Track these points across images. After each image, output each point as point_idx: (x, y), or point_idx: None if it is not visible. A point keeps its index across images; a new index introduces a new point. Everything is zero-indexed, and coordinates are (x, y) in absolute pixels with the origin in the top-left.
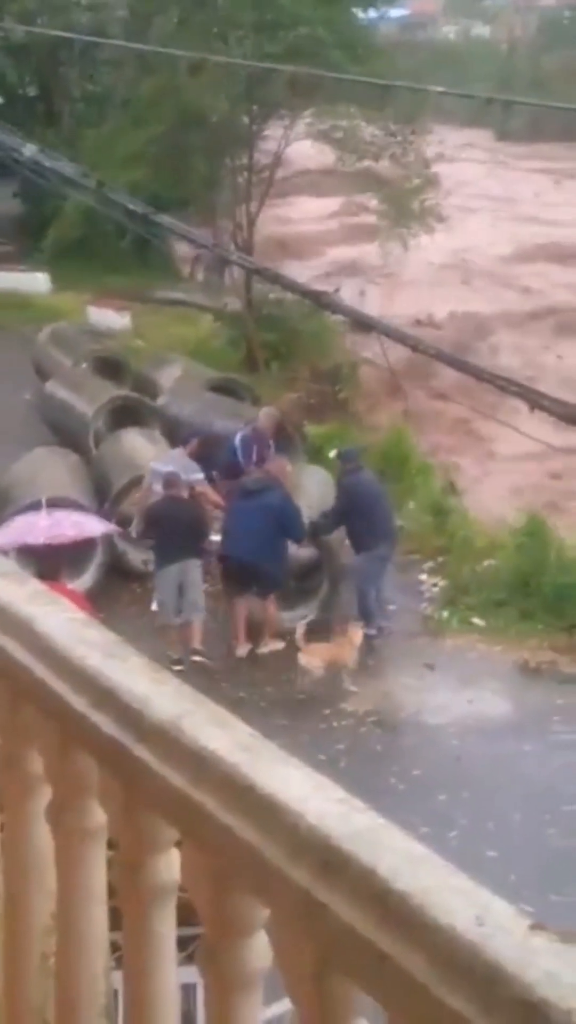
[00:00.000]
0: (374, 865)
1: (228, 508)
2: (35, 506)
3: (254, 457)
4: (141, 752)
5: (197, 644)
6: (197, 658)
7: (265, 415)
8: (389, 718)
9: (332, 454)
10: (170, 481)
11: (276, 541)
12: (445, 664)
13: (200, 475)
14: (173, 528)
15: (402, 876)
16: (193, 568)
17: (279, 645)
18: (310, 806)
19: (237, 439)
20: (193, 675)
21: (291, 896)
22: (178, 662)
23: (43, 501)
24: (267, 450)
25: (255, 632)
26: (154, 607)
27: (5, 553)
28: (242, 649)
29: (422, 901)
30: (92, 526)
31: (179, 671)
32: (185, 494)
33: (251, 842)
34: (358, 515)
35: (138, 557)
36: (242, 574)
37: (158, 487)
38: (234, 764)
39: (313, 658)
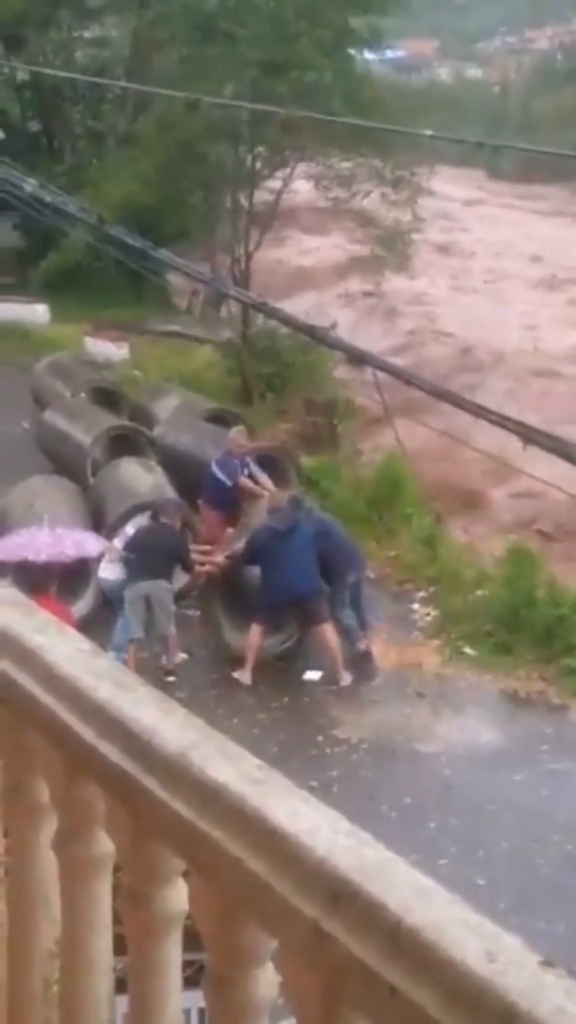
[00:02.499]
0: (384, 898)
1: (264, 555)
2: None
3: (237, 477)
4: (149, 782)
5: (171, 665)
6: (171, 679)
7: (233, 435)
8: (381, 746)
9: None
10: (164, 507)
11: (316, 571)
12: (436, 693)
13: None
14: (151, 549)
15: (413, 910)
16: (162, 590)
17: (347, 678)
18: (319, 838)
19: (214, 466)
20: (184, 702)
21: (300, 928)
22: (170, 672)
23: (45, 517)
24: (245, 469)
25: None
26: (77, 610)
27: (1, 571)
28: (245, 677)
29: (433, 935)
30: (91, 546)
31: (171, 682)
32: (177, 523)
33: (259, 874)
34: (320, 552)
35: None
36: (291, 605)
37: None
38: (242, 796)
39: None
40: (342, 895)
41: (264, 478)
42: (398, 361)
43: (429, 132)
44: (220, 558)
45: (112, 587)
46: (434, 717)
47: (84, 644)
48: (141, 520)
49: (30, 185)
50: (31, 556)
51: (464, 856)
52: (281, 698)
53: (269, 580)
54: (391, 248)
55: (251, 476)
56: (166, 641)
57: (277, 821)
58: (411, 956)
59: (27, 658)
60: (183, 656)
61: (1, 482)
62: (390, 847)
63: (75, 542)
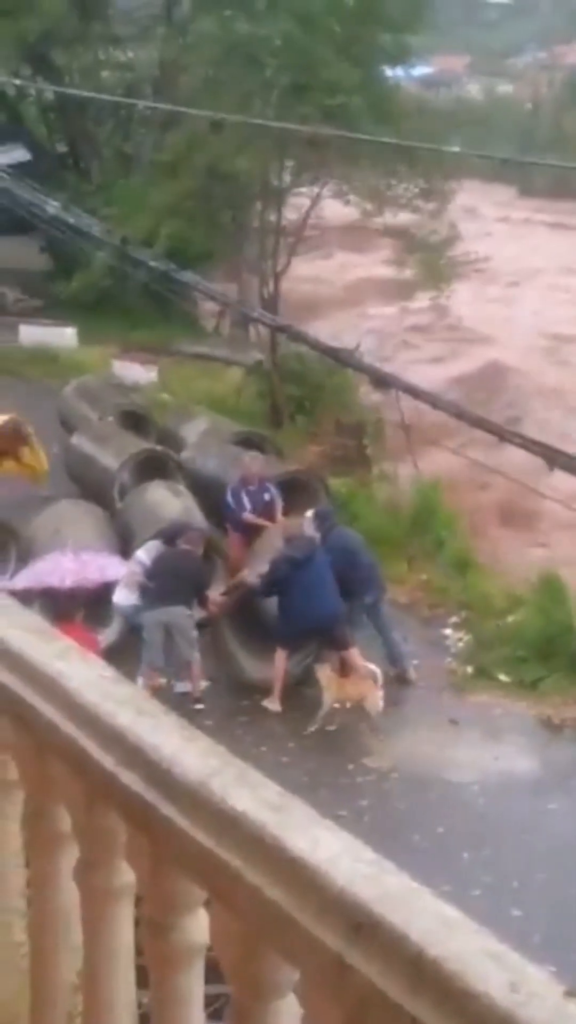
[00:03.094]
0: (407, 929)
1: (286, 585)
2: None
3: (247, 505)
4: (169, 811)
5: (198, 692)
6: (199, 706)
7: (246, 462)
8: (413, 775)
9: (308, 514)
10: (185, 533)
11: (337, 596)
12: (469, 720)
13: None
14: (172, 575)
15: (436, 941)
16: (181, 616)
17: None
18: (340, 867)
19: (229, 492)
20: (212, 731)
21: (321, 959)
22: (198, 700)
23: (69, 543)
24: (262, 495)
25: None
26: (104, 637)
27: (27, 597)
28: (274, 705)
29: (456, 967)
30: (116, 571)
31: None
32: (199, 549)
33: (280, 903)
34: (338, 569)
35: None
36: (317, 631)
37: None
38: (263, 824)
39: (338, 693)
40: (363, 925)
41: (278, 505)
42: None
43: (456, 149)
44: (219, 598)
45: (127, 612)
46: (467, 745)
47: (106, 671)
48: (153, 545)
49: (53, 207)
50: (56, 583)
51: (498, 887)
52: (310, 726)
53: (292, 609)
54: (432, 266)
55: (271, 502)
56: (189, 668)
57: (297, 850)
58: (434, 987)
59: (47, 685)
60: (204, 683)
61: (29, 507)
62: (422, 878)
63: (99, 567)
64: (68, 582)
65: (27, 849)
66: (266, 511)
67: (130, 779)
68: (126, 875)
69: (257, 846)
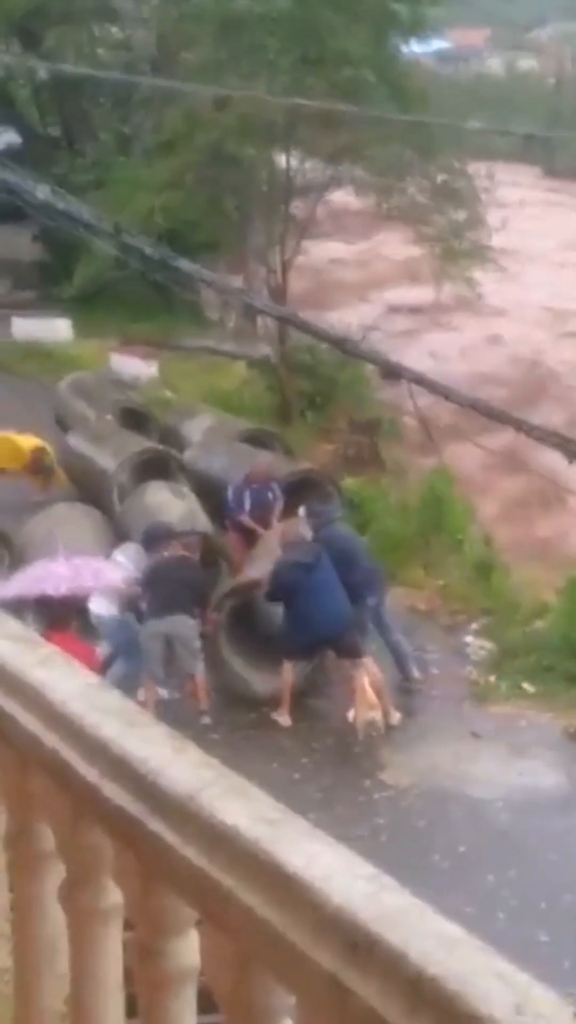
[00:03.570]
0: (405, 948)
1: (292, 592)
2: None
3: (246, 505)
4: (156, 826)
5: (204, 705)
6: (206, 720)
7: (256, 462)
8: (432, 791)
9: (300, 511)
10: (183, 539)
11: (348, 601)
12: (493, 733)
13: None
14: (171, 583)
15: (435, 960)
16: (184, 626)
17: (396, 716)
18: (336, 884)
19: (230, 490)
20: (219, 745)
21: (316, 981)
22: (204, 712)
23: (60, 547)
24: (264, 495)
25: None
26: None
27: (17, 605)
28: (284, 719)
29: (457, 987)
30: (111, 575)
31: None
32: (196, 555)
33: (273, 923)
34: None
35: None
36: (330, 639)
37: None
38: (255, 839)
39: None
40: (360, 945)
41: (277, 507)
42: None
43: (475, 124)
44: (213, 615)
45: (104, 623)
46: (490, 759)
47: (92, 679)
48: (132, 547)
49: (42, 192)
50: (50, 590)
51: (524, 910)
52: (323, 739)
53: (301, 618)
54: (454, 252)
55: (271, 502)
56: (192, 680)
57: (292, 866)
58: (434, 1009)
59: (29, 695)
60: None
61: (23, 508)
62: (443, 900)
63: (94, 572)
64: (63, 589)
65: (10, 870)
66: (266, 512)
67: (115, 792)
68: (114, 895)
69: (250, 863)
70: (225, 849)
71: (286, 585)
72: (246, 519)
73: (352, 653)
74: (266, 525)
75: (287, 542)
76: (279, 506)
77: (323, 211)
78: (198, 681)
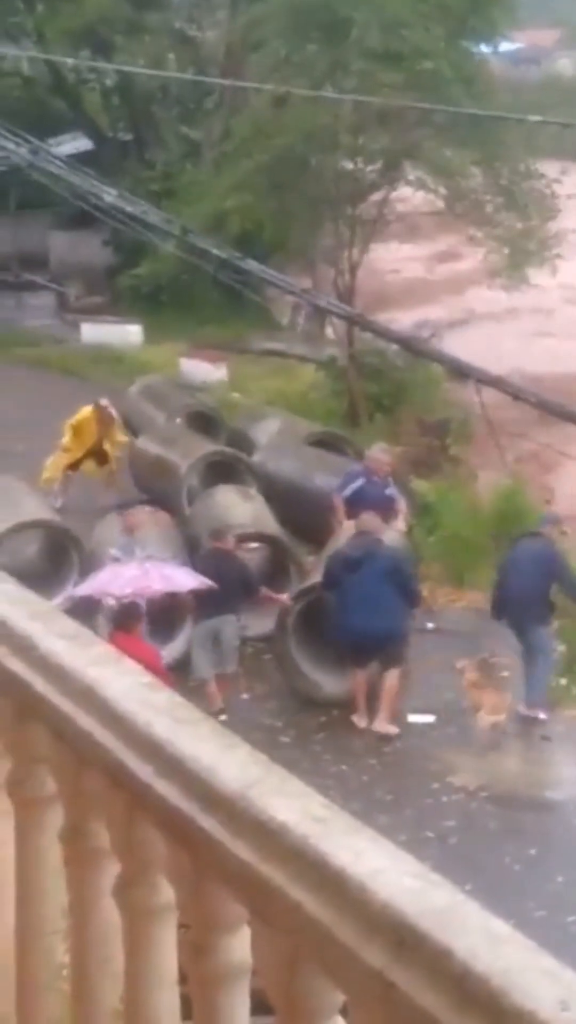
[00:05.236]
0: (451, 944)
1: (333, 584)
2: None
3: (346, 491)
4: (207, 823)
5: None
6: (223, 716)
7: (372, 451)
8: (502, 793)
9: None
10: (217, 533)
11: (398, 607)
12: (564, 736)
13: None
14: (216, 580)
15: (481, 956)
16: (229, 623)
17: (393, 730)
18: (383, 880)
19: (345, 473)
20: (289, 747)
21: (364, 978)
22: (221, 711)
23: (136, 550)
24: (382, 491)
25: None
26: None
27: (89, 607)
28: (362, 720)
29: (502, 983)
30: (182, 580)
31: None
32: (231, 546)
33: (322, 919)
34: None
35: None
36: (366, 647)
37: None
38: (303, 836)
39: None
40: (407, 941)
41: (397, 507)
42: None
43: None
44: (286, 597)
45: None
46: (561, 762)
47: (144, 677)
48: (122, 540)
49: (110, 195)
50: (115, 591)
51: None
52: (393, 742)
53: (338, 615)
54: (523, 251)
55: (390, 500)
56: (226, 677)
57: (339, 863)
58: (480, 1006)
59: (84, 694)
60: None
61: (93, 513)
62: (513, 902)
63: (163, 576)
64: (128, 590)
65: (66, 867)
66: (376, 508)
67: (168, 790)
68: (167, 893)
69: (299, 859)
70: (274, 846)
71: (329, 575)
72: (339, 501)
73: (391, 662)
74: (387, 518)
75: (359, 531)
76: (399, 505)
77: (392, 212)
78: (226, 679)
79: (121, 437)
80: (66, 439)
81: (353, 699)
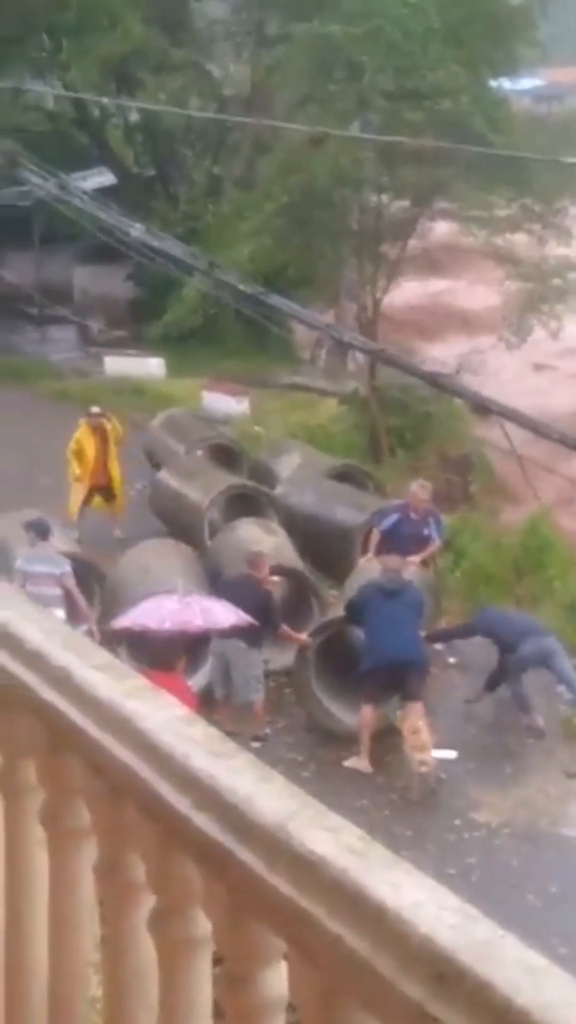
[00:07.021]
0: (492, 978)
1: (365, 613)
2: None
3: (383, 525)
4: (245, 856)
5: (257, 729)
6: (256, 744)
7: (413, 489)
8: (526, 830)
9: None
10: (253, 559)
11: (421, 640)
12: None
13: (68, 568)
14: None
15: (522, 990)
16: (238, 650)
17: (429, 762)
18: (422, 914)
19: (384, 509)
20: (311, 781)
21: (404, 1012)
22: (258, 738)
23: (180, 584)
24: (420, 529)
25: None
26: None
27: (116, 638)
28: (361, 764)
29: (544, 1018)
30: (221, 616)
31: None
32: (263, 574)
33: (361, 952)
34: None
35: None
36: (392, 677)
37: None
38: (342, 869)
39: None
40: (447, 975)
41: (431, 543)
42: None
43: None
44: (305, 636)
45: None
46: None
47: (178, 710)
48: (30, 553)
49: (136, 230)
50: (153, 625)
51: None
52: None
53: (374, 639)
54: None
55: (426, 538)
56: (250, 708)
57: (379, 896)
58: None
59: (121, 726)
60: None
61: (112, 547)
62: (536, 940)
63: (204, 610)
64: (168, 624)
65: (101, 901)
66: (410, 544)
67: (205, 823)
68: (203, 926)
69: (338, 892)
70: (312, 879)
71: (361, 603)
72: (375, 537)
73: (410, 694)
74: (404, 555)
75: (386, 567)
76: (433, 542)
77: (417, 246)
78: (253, 708)
79: (117, 428)
80: (73, 468)
81: (358, 737)
